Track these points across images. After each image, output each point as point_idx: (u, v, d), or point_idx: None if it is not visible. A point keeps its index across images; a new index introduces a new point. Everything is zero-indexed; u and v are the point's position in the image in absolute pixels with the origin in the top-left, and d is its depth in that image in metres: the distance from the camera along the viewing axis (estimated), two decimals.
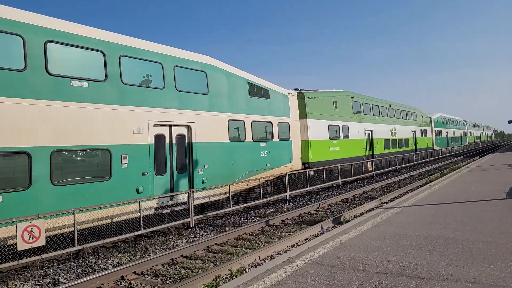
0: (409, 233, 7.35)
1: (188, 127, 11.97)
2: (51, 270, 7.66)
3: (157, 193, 10.75)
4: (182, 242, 9.69)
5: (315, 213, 12.85)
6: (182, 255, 8.27)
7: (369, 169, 23.43)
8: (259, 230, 10.56)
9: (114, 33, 10.32)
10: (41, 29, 8.66)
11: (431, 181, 17.96)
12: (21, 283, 6.97)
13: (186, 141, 11.94)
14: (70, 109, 8.97)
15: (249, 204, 14.01)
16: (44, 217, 7.87)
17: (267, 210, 13.84)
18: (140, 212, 9.74)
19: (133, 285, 6.70)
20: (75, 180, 8.99)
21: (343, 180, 20.11)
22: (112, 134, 9.71)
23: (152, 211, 10.53)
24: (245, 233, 10.10)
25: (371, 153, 25.55)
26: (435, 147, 40.95)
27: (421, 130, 37.39)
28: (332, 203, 14.69)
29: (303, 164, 17.91)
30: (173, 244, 9.51)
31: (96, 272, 7.43)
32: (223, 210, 12.78)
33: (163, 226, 10.54)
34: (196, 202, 11.53)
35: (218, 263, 7.64)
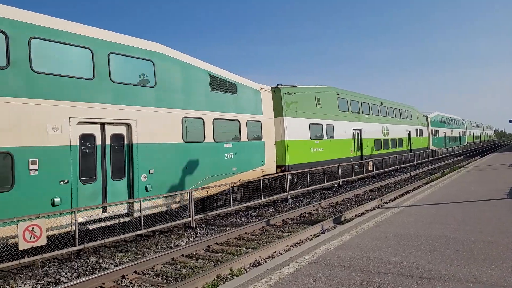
0: (410, 233, 7.35)
1: (128, 126, 10.23)
2: (52, 270, 7.67)
3: (81, 204, 8.95)
4: (182, 241, 9.70)
5: (316, 213, 12.85)
6: (183, 255, 8.28)
7: (369, 169, 23.41)
8: (259, 229, 10.57)
9: (22, 10, 8.47)
10: None
11: (432, 180, 17.95)
12: (23, 283, 6.98)
13: (125, 142, 10.20)
14: None
15: (249, 203, 14.01)
16: (45, 217, 7.88)
17: (268, 210, 13.84)
18: (140, 212, 9.74)
19: (134, 285, 6.70)
20: None
21: (343, 180, 20.09)
22: (15, 134, 7.94)
23: (72, 228, 8.52)
24: (245, 233, 10.11)
25: (359, 154, 23.73)
26: (432, 147, 39.41)
27: (417, 129, 35.66)
28: (332, 202, 14.69)
29: (279, 167, 16.36)
30: (173, 243, 9.52)
31: (97, 272, 7.44)
32: (223, 210, 12.79)
33: (163, 225, 10.55)
34: (136, 214, 9.91)
35: (218, 262, 7.64)
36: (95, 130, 9.62)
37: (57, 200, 8.49)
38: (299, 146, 17.63)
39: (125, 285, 6.72)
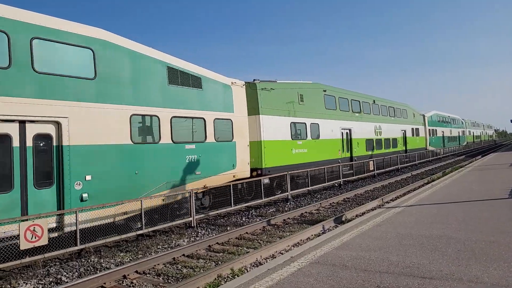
0: (411, 233, 7.34)
1: (58, 124, 8.69)
2: (54, 269, 7.68)
3: None
4: (183, 241, 9.70)
5: (317, 213, 12.85)
6: (183, 254, 8.28)
7: (370, 169, 23.39)
8: (260, 229, 10.57)
9: None
10: None
11: (433, 180, 17.93)
12: (24, 282, 6.99)
13: (54, 144, 8.68)
14: None
15: (250, 203, 14.01)
16: (46, 216, 7.89)
17: (269, 210, 13.84)
18: (142, 212, 9.74)
19: (135, 284, 6.71)
20: None
21: (344, 179, 20.07)
22: None
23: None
24: (246, 233, 10.11)
25: (349, 155, 22.23)
26: (429, 148, 37.81)
27: (412, 129, 33.94)
28: (333, 202, 14.68)
29: (254, 170, 14.91)
30: (174, 243, 9.52)
31: (98, 271, 7.45)
32: (224, 210, 12.78)
33: (165, 225, 10.55)
34: (69, 229, 8.48)
35: (219, 262, 7.65)
36: (12, 129, 8.06)
37: None
38: (278, 147, 16.10)
39: (126, 285, 6.73)
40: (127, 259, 8.36)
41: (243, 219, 12.38)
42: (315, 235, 9.28)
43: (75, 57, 9.13)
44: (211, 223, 11.86)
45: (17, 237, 7.50)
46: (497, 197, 10.92)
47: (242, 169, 13.89)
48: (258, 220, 12.01)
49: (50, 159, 8.63)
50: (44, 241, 7.63)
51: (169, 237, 10.20)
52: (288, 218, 11.89)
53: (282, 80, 17.54)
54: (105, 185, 9.32)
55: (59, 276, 7.27)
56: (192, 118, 12.00)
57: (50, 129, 8.68)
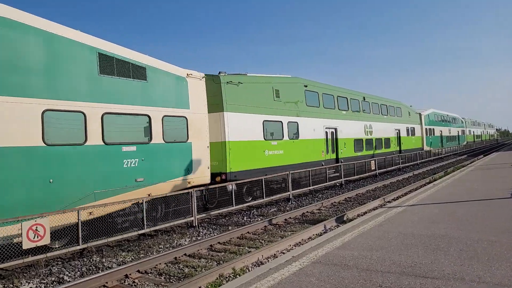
0: (413, 232, 7.33)
1: None
2: (56, 269, 7.70)
3: None
4: (185, 241, 9.71)
5: (318, 212, 12.85)
6: (185, 254, 8.29)
7: (372, 168, 23.36)
8: (262, 229, 10.57)
9: None
10: None
11: (435, 180, 17.90)
12: (26, 281, 7.02)
13: None
14: None
15: (251, 203, 14.01)
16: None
17: (270, 209, 13.84)
18: (143, 211, 9.76)
19: (137, 284, 6.72)
20: None
21: (346, 179, 20.05)
22: None
23: None
24: (248, 232, 10.12)
25: (335, 157, 20.51)
26: (426, 148, 36.26)
27: (408, 128, 32.12)
28: (335, 202, 14.67)
29: (217, 175, 13.35)
30: (176, 243, 9.54)
31: (100, 271, 7.46)
32: (226, 209, 12.79)
33: (166, 225, 10.57)
34: None
35: (221, 262, 7.65)
36: None
37: None
38: (247, 148, 14.35)
39: (128, 284, 6.74)
40: (129, 258, 8.38)
41: (245, 219, 12.39)
42: (316, 234, 9.28)
43: None
44: (212, 223, 11.87)
45: None
46: (499, 196, 10.89)
47: (200, 174, 12.03)
48: (259, 219, 12.02)
49: None
50: (46, 241, 7.65)
51: (171, 236, 10.21)
52: (290, 217, 11.89)
53: (257, 74, 15.87)
54: (7, 197, 7.58)
55: (61, 276, 7.30)
56: (133, 115, 10.18)
57: None
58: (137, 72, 10.43)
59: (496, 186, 13.00)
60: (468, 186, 13.66)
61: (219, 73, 14.05)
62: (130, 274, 7.04)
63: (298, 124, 17.43)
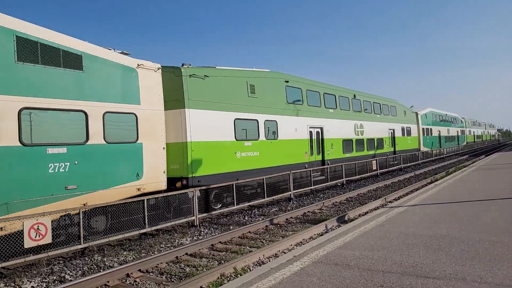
0: (414, 232, 7.33)
1: None
2: (57, 268, 7.72)
3: None
4: (186, 240, 9.72)
5: (320, 212, 12.84)
6: (186, 253, 8.30)
7: (373, 168, 23.33)
8: (263, 228, 10.57)
9: None
10: None
11: (436, 180, 17.87)
12: (28, 280, 7.03)
13: None
14: None
15: (253, 202, 14.01)
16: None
17: (271, 209, 13.84)
18: (145, 211, 9.77)
19: (138, 283, 6.73)
20: None
21: (347, 179, 20.04)
22: None
23: None
24: (249, 232, 10.12)
25: (320, 158, 19.02)
26: (423, 148, 34.85)
27: (403, 128, 30.49)
28: (336, 202, 14.66)
29: (178, 180, 11.86)
30: (177, 242, 9.55)
31: (101, 270, 7.48)
32: (227, 209, 12.80)
33: (167, 224, 10.57)
34: None
35: (222, 261, 7.65)
36: None
37: None
38: (214, 150, 12.82)
39: (130, 283, 6.75)
40: (130, 257, 8.39)
41: (246, 218, 12.39)
42: (318, 234, 9.28)
43: None
44: (214, 222, 11.88)
45: None
46: (501, 197, 10.87)
47: (154, 180, 10.67)
48: (260, 219, 12.02)
49: None
50: (48, 240, 7.67)
51: (172, 236, 10.22)
52: (291, 217, 11.89)
53: (229, 67, 14.35)
54: None
55: (62, 275, 7.31)
56: (63, 110, 8.77)
57: None
58: (70, 60, 9.02)
59: (498, 187, 12.98)
60: (470, 187, 13.63)
61: (183, 65, 12.44)
62: (131, 273, 7.05)
63: (277, 123, 15.91)
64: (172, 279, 6.85)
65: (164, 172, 11.06)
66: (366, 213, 11.47)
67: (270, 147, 15.39)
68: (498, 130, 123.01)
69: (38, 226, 7.55)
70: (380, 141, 26.04)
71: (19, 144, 7.97)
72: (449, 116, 47.12)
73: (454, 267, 5.28)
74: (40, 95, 8.41)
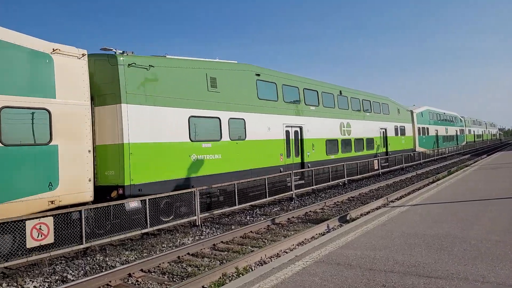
0: (416, 232, 7.31)
1: None
2: (60, 267, 7.73)
3: None
4: (188, 240, 9.73)
5: (321, 212, 12.83)
6: (188, 253, 8.30)
7: (375, 168, 23.29)
8: (265, 228, 10.57)
9: None
10: None
11: (438, 179, 17.84)
12: (30, 280, 7.05)
13: None
14: None
15: (254, 202, 14.00)
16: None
17: (273, 209, 13.83)
18: (146, 210, 9.78)
19: (140, 283, 6.74)
20: None
21: (349, 178, 20.02)
22: None
23: None
24: (251, 232, 10.12)
25: (299, 161, 17.25)
26: (419, 149, 33.21)
27: (396, 127, 28.70)
28: (338, 201, 14.65)
29: (113, 189, 10.04)
30: (179, 242, 9.56)
31: (103, 270, 7.49)
32: (229, 209, 12.79)
33: (169, 224, 10.59)
34: None
35: (224, 261, 7.66)
36: None
37: None
38: (162, 152, 11.01)
39: (132, 283, 6.76)
40: (132, 257, 8.40)
41: (248, 218, 12.39)
42: (319, 234, 9.27)
43: None
44: (215, 222, 11.88)
45: None
46: (503, 196, 10.84)
47: (74, 190, 8.94)
48: (262, 219, 12.02)
49: None
50: (50, 240, 7.69)
51: (174, 235, 10.23)
52: (293, 217, 11.89)
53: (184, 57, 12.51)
54: None
55: (65, 274, 7.32)
56: None
57: None
58: None
59: (500, 186, 12.95)
60: (472, 186, 13.60)
61: (123, 52, 10.70)
62: (133, 273, 7.05)
63: (245, 122, 14.14)
64: (174, 279, 6.86)
65: (89, 181, 9.28)
66: (368, 212, 11.46)
67: (236, 149, 13.65)
68: (499, 129, 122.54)
69: (40, 226, 7.57)
70: (370, 141, 24.40)
71: None
72: (448, 114, 45.67)
73: (456, 266, 5.27)
74: None
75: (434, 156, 35.74)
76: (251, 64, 15.15)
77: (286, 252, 7.81)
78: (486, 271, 5.02)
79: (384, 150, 26.48)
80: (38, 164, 8.37)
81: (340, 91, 21.61)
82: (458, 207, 9.61)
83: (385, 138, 26.81)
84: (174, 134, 11.44)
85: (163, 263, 7.66)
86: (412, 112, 33.18)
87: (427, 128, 36.63)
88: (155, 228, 10.12)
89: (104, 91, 10.31)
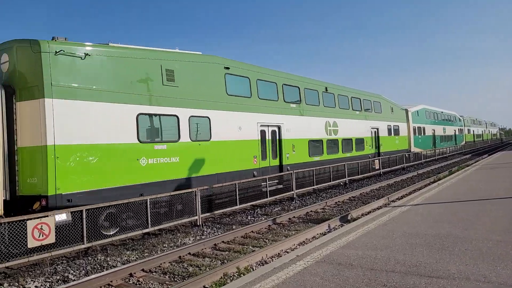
0: (418, 232, 7.30)
1: None
2: (61, 267, 7.74)
3: None
4: (189, 240, 9.73)
5: (322, 212, 12.83)
6: (189, 253, 8.30)
7: (376, 167, 23.25)
8: (266, 228, 10.57)
9: None
10: None
11: (439, 179, 17.82)
12: (32, 280, 7.06)
13: None
14: None
15: (255, 202, 14.00)
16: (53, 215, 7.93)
17: (274, 209, 13.83)
18: (148, 210, 9.78)
19: (142, 282, 6.74)
20: None
21: (350, 178, 20.00)
22: None
23: None
24: (252, 231, 10.12)
25: (278, 163, 15.80)
26: (414, 149, 31.89)
27: (389, 126, 27.08)
28: (339, 201, 14.64)
29: (34, 200, 8.57)
30: (180, 242, 9.56)
31: (105, 270, 7.49)
32: (230, 208, 12.79)
33: (170, 224, 10.59)
34: None
35: (225, 261, 7.66)
36: None
37: None
38: (100, 156, 9.48)
39: (133, 283, 6.77)
40: (133, 257, 8.40)
41: (249, 218, 12.39)
42: (320, 234, 9.27)
43: None
44: (216, 222, 11.88)
45: None
46: (505, 196, 10.83)
47: None
48: (263, 219, 12.02)
49: None
50: (51, 239, 7.70)
51: (175, 235, 10.23)
52: (294, 217, 11.88)
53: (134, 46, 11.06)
54: None
55: (66, 274, 7.33)
56: None
57: None
58: None
59: (501, 186, 12.93)
60: (473, 186, 13.59)
61: (53, 38, 9.30)
62: (134, 273, 7.06)
63: (210, 120, 12.58)
64: (175, 279, 6.86)
65: None
66: (369, 212, 11.45)
67: (199, 151, 12.11)
68: (500, 129, 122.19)
69: (41, 226, 7.57)
70: (360, 141, 22.85)
71: None
72: (446, 114, 44.19)
73: (457, 266, 5.26)
74: None
75: (435, 156, 35.64)
76: (220, 56, 13.67)
77: (287, 252, 7.80)
78: (487, 271, 5.01)
79: (376, 151, 24.98)
80: None
81: (326, 88, 20.11)
82: (459, 207, 9.60)
83: (377, 138, 25.36)
84: (116, 134, 9.89)
85: (164, 263, 7.66)
86: (407, 111, 31.83)
87: (424, 128, 35.33)
88: (156, 228, 10.13)
89: (27, 84, 8.91)
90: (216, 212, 12.28)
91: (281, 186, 15.23)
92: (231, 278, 6.45)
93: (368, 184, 19.61)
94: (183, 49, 12.59)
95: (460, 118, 52.17)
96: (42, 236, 7.59)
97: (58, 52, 8.93)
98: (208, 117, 12.58)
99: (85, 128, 9.26)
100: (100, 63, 9.82)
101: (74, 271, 7.51)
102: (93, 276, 6.67)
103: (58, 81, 8.87)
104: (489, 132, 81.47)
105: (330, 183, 18.34)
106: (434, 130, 38.30)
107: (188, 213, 11.09)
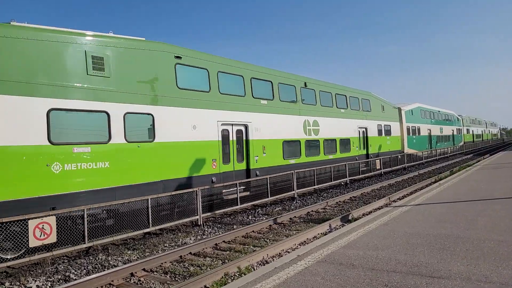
0: (419, 232, 7.30)
1: None
2: (62, 267, 7.76)
3: None
4: (190, 239, 9.74)
5: (323, 211, 12.82)
6: (190, 253, 8.31)
7: (377, 167, 23.23)
8: (267, 228, 10.57)
9: None
10: None
11: (441, 179, 17.79)
12: (33, 279, 7.07)
13: None
14: None
15: (256, 202, 14.00)
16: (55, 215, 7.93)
17: (275, 208, 13.83)
18: (148, 210, 9.79)
19: (143, 282, 6.75)
20: None
21: (350, 178, 19.98)
22: None
23: None
24: (253, 231, 10.12)
25: (244, 167, 14.18)
26: (408, 150, 29.96)
27: (379, 125, 25.25)
28: (340, 201, 14.63)
29: None
30: (181, 241, 9.57)
31: (106, 269, 7.51)
32: (230, 208, 12.80)
33: (171, 223, 10.60)
34: None
35: (226, 260, 7.66)
36: None
37: None
38: None
39: (134, 282, 6.77)
40: (134, 257, 8.41)
41: (249, 218, 12.39)
42: (322, 233, 9.27)
43: None
44: (217, 222, 11.89)
45: None
46: (506, 196, 10.81)
47: None
48: (264, 218, 12.02)
49: None
50: (52, 239, 7.71)
51: (176, 235, 10.24)
52: (295, 216, 11.88)
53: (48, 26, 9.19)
54: None
55: (67, 274, 7.35)
56: None
57: None
58: None
59: (503, 186, 12.91)
60: (475, 186, 13.56)
61: None
62: (135, 273, 7.07)
63: (153, 118, 10.84)
64: (176, 278, 6.87)
65: None
66: (370, 212, 11.44)
67: (138, 155, 10.32)
68: (502, 129, 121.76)
69: (43, 225, 7.59)
70: (346, 142, 21.05)
71: None
72: (443, 113, 42.26)
73: (459, 266, 5.26)
74: None
75: (437, 156, 35.59)
76: (169, 43, 11.82)
77: (288, 252, 7.81)
78: (488, 271, 5.00)
79: (364, 152, 23.21)
80: None
81: (305, 83, 18.16)
82: (460, 207, 9.59)
83: (366, 139, 23.53)
84: (16, 134, 8.11)
85: (165, 262, 7.67)
86: (400, 110, 29.79)
87: (418, 128, 33.42)
88: (157, 227, 10.14)
89: None
90: (217, 212, 12.29)
91: (247, 193, 13.49)
92: (232, 278, 6.46)
93: (369, 184, 19.60)
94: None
95: (459, 117, 50.63)
96: (44, 235, 7.60)
97: None
98: (151, 114, 10.79)
99: None
100: None
101: (75, 271, 7.53)
102: (94, 275, 6.67)
103: None
104: (489, 132, 79.90)
105: (331, 183, 18.31)
106: (430, 130, 36.62)
107: (139, 226, 9.75)
